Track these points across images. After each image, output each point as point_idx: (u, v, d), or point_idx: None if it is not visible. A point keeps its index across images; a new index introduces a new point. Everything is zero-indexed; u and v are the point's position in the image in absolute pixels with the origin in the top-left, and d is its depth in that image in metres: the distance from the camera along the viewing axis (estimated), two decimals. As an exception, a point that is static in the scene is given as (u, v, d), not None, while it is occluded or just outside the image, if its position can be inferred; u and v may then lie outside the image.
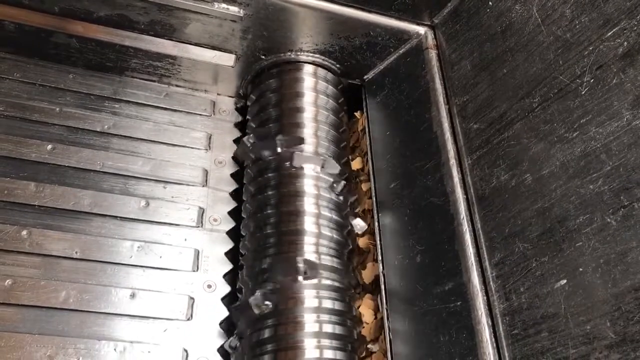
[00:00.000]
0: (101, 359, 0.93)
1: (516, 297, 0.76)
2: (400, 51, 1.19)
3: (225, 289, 1.06)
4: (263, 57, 1.22)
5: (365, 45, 1.19)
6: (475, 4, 1.01)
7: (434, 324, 0.86)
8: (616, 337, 0.62)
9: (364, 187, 1.20)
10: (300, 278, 0.98)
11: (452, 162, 0.95)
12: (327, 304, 0.98)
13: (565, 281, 0.69)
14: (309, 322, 0.95)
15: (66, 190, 1.06)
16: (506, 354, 0.75)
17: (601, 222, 0.67)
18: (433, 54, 1.10)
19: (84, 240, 1.02)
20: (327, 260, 1.02)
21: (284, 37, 1.18)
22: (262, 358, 0.93)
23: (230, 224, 1.14)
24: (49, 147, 1.10)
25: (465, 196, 0.91)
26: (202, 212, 1.13)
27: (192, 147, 1.21)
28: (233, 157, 1.23)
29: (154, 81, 1.27)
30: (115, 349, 0.94)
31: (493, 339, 0.77)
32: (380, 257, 1.04)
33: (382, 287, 1.00)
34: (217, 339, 1.01)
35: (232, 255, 1.11)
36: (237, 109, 1.32)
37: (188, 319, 1.01)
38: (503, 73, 0.91)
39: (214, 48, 1.21)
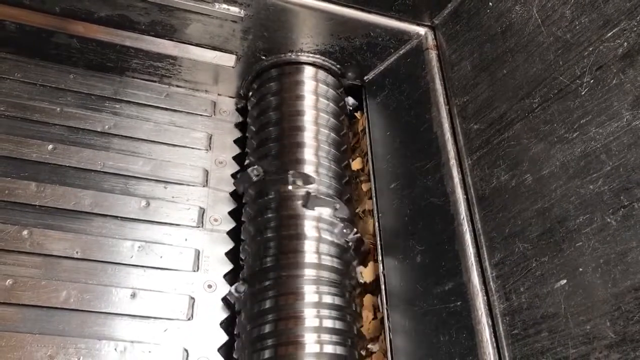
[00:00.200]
0: (102, 359, 0.93)
1: (516, 297, 0.76)
2: (401, 52, 1.19)
3: (226, 289, 1.06)
4: (263, 57, 1.22)
5: (366, 45, 1.19)
6: (476, 5, 1.02)
7: (434, 324, 0.86)
8: (616, 336, 0.62)
9: (364, 187, 1.20)
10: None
11: (453, 162, 0.95)
12: (327, 299, 0.98)
13: (565, 281, 0.70)
14: (309, 317, 0.95)
15: (67, 190, 1.06)
16: (506, 354, 0.75)
17: (601, 222, 0.67)
18: (433, 55, 1.10)
19: (84, 240, 1.02)
20: (327, 260, 1.02)
21: (284, 38, 1.18)
22: (262, 353, 0.94)
23: (230, 224, 1.14)
24: (50, 147, 1.10)
25: (465, 196, 0.91)
26: (202, 212, 1.13)
27: (192, 148, 1.22)
28: (233, 158, 1.24)
29: (155, 81, 1.27)
30: (115, 349, 0.94)
31: (493, 339, 0.77)
32: (380, 257, 1.04)
33: (383, 287, 1.00)
34: (217, 339, 1.01)
35: (232, 255, 1.11)
36: (237, 110, 1.32)
37: (188, 319, 1.01)
38: (503, 73, 0.91)
39: (214, 48, 1.21)
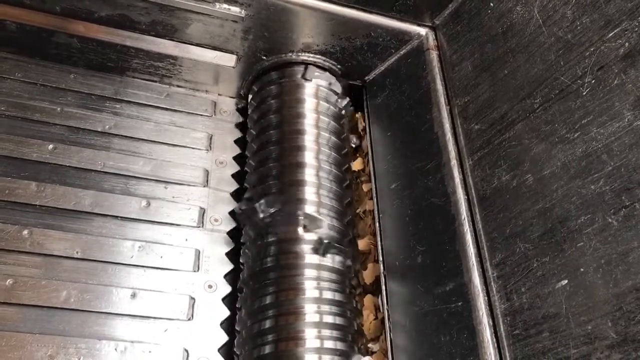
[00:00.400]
0: (102, 359, 0.93)
1: (517, 297, 0.76)
2: (401, 52, 1.19)
3: (226, 289, 1.06)
4: (264, 57, 1.22)
5: (366, 46, 1.19)
6: (477, 5, 1.02)
7: (435, 325, 0.86)
8: (617, 337, 0.62)
9: (365, 187, 1.20)
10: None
11: (453, 162, 0.95)
12: (328, 295, 0.98)
13: (566, 281, 0.70)
14: (310, 313, 0.95)
15: (67, 190, 1.06)
16: (507, 354, 0.75)
17: (602, 222, 0.67)
18: (434, 55, 1.10)
19: (85, 240, 1.02)
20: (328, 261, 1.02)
21: (285, 38, 1.18)
22: (263, 348, 0.94)
23: (231, 224, 1.14)
24: (50, 147, 1.10)
25: (466, 197, 0.91)
26: (203, 212, 1.13)
27: (193, 148, 1.22)
28: (234, 158, 1.23)
29: (155, 81, 1.27)
30: (116, 349, 0.94)
31: (494, 339, 0.77)
32: (381, 258, 1.04)
33: (383, 287, 1.00)
34: (217, 339, 1.01)
35: (232, 255, 1.11)
36: (238, 110, 1.32)
37: (189, 319, 1.01)
38: (504, 74, 0.91)
39: (215, 48, 1.21)
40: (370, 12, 1.13)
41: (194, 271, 1.06)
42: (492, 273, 0.81)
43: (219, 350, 1.00)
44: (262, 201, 1.05)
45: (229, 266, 1.09)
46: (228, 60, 1.23)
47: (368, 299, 1.07)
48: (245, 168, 1.21)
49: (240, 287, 1.06)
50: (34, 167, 1.07)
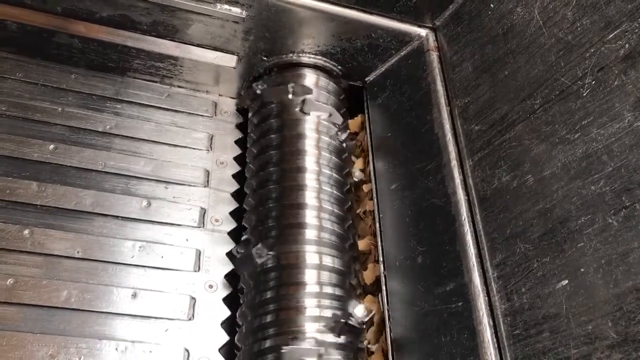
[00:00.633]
0: (102, 359, 0.93)
1: (517, 297, 0.76)
2: (402, 53, 1.19)
3: (227, 289, 1.06)
4: (265, 58, 1.23)
5: (367, 47, 1.19)
6: (477, 6, 1.02)
7: (435, 325, 0.86)
8: (618, 337, 0.62)
9: (365, 188, 1.20)
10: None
11: (454, 163, 0.95)
12: (328, 289, 0.99)
13: (566, 281, 0.70)
14: (310, 307, 0.96)
15: (68, 190, 1.06)
16: (508, 355, 0.75)
17: (603, 222, 0.68)
18: (434, 56, 1.10)
19: (85, 239, 1.02)
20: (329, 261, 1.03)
21: (285, 39, 1.18)
22: (263, 342, 0.95)
23: (231, 225, 1.14)
24: (51, 147, 1.10)
25: (466, 197, 0.91)
26: (203, 212, 1.13)
27: (193, 148, 1.22)
28: (234, 158, 1.24)
29: (156, 82, 1.27)
30: (116, 349, 0.94)
31: (494, 340, 0.77)
32: (381, 258, 1.04)
33: (383, 287, 1.00)
34: (218, 339, 1.01)
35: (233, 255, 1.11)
36: (238, 110, 1.32)
37: (189, 319, 1.01)
38: (504, 75, 0.91)
39: (215, 49, 1.21)
40: (371, 13, 1.13)
41: (195, 271, 1.06)
42: (493, 273, 0.82)
43: (219, 350, 1.00)
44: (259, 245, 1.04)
45: (229, 266, 1.09)
46: (229, 60, 1.23)
47: (368, 300, 1.07)
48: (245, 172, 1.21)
49: (241, 286, 1.07)
50: (35, 167, 1.07)
